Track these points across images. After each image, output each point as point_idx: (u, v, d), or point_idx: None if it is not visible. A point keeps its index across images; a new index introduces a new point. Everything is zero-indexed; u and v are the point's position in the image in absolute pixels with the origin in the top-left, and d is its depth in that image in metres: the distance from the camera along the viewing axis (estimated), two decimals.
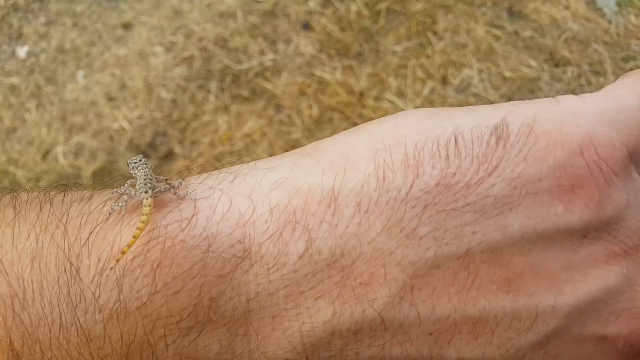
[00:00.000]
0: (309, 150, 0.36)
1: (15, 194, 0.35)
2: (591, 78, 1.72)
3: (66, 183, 0.37)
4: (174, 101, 1.84)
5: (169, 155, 1.77)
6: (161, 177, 0.37)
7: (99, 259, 0.31)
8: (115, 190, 0.35)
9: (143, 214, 0.32)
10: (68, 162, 1.79)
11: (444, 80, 1.81)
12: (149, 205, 0.33)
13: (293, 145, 1.73)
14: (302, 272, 0.32)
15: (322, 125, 1.77)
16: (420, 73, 1.83)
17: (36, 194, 0.35)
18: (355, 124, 1.77)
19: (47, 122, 1.88)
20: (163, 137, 1.80)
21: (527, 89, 1.76)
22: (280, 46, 1.90)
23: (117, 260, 0.30)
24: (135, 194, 0.34)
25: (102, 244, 0.31)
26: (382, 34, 1.91)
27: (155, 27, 1.99)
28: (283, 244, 0.32)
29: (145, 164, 0.37)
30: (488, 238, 0.32)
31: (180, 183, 0.35)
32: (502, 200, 0.32)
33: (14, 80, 1.96)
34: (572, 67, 1.74)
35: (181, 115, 1.81)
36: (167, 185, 0.35)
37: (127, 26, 2.02)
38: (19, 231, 0.32)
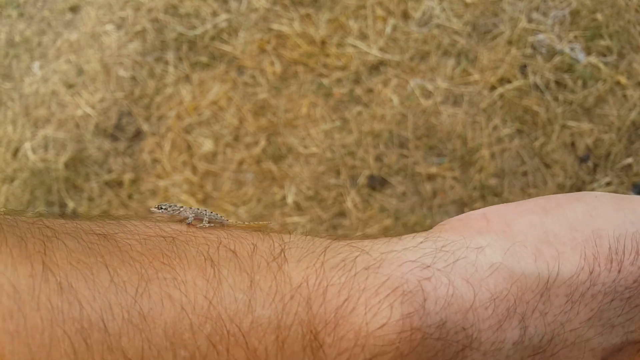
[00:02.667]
0: (502, 227, 0.38)
1: (229, 238, 0.36)
2: None
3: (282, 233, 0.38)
4: (133, 78, 1.79)
5: (138, 135, 1.73)
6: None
7: (342, 338, 0.32)
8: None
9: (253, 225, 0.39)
10: (38, 156, 1.76)
11: (405, 15, 1.75)
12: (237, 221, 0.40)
13: (261, 106, 1.69)
14: (513, 358, 0.35)
15: (287, 81, 1.72)
16: (380, 11, 1.77)
17: (248, 245, 0.35)
18: (320, 76, 1.72)
19: (11, 120, 1.83)
20: (128, 116, 1.76)
21: (491, 12, 1.70)
22: (233, 4, 1.82)
23: None
24: (217, 218, 0.40)
25: (345, 324, 0.32)
26: None
27: (103, 5, 1.92)
28: (501, 331, 0.34)
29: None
30: None
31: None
32: None
33: None
34: None
35: (143, 91, 1.77)
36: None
37: (74, 9, 1.94)
38: (255, 299, 0.31)
